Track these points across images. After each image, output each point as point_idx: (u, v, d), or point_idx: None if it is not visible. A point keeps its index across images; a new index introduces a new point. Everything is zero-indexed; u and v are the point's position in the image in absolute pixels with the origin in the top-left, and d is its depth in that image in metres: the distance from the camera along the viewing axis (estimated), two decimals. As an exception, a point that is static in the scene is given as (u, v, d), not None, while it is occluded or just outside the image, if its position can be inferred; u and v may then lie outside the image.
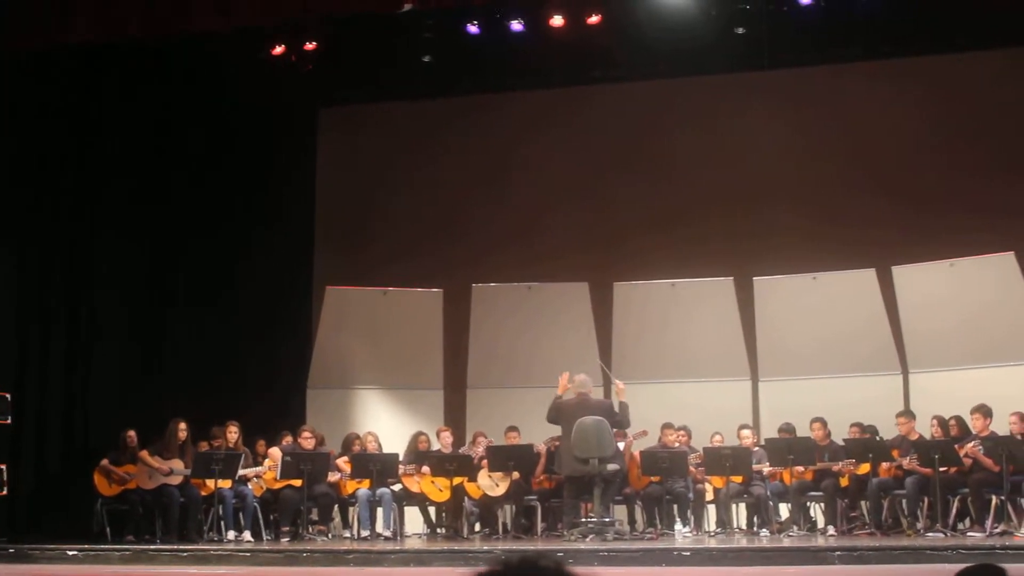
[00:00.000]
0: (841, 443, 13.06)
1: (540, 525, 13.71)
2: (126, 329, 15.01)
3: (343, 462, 13.75)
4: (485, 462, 13.55)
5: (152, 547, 12.23)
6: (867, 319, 14.98)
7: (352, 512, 13.85)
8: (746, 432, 13.77)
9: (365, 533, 13.38)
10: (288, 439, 13.92)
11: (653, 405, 14.36)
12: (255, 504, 13.33)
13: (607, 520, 12.36)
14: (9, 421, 13.08)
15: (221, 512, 13.03)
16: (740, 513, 13.85)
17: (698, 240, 16.01)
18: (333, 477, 13.54)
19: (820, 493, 13.12)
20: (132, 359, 15.03)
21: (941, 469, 12.18)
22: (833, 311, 15.09)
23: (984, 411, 12.54)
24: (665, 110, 16.49)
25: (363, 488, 13.46)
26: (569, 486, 12.67)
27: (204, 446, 13.67)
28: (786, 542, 12.36)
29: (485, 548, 11.97)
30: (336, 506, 13.90)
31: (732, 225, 16.06)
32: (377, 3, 13.17)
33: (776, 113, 16.19)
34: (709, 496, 13.70)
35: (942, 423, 12.93)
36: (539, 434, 13.64)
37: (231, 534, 13.06)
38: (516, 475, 13.46)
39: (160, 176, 15.44)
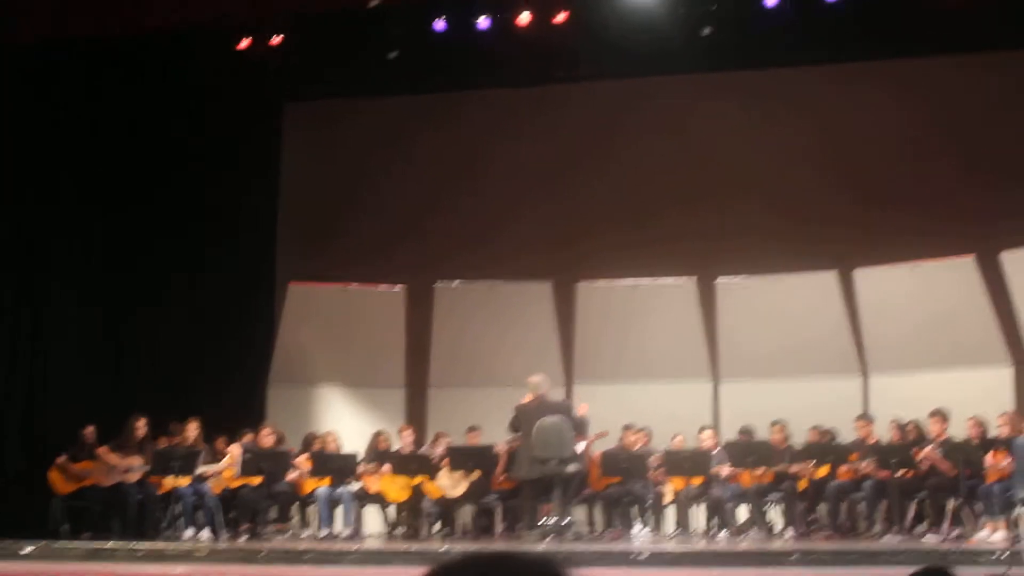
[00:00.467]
0: (800, 446, 13.10)
1: (500, 525, 13.71)
2: (85, 325, 14.91)
3: (303, 460, 13.71)
4: (446, 462, 13.54)
5: (109, 544, 12.13)
6: (828, 322, 15.06)
7: (311, 511, 13.83)
8: (706, 434, 13.80)
9: (324, 532, 13.34)
10: (248, 437, 13.85)
11: (614, 406, 14.38)
12: (214, 502, 13.26)
13: (566, 521, 12.35)
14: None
15: (179, 509, 12.98)
16: (699, 515, 13.87)
17: (662, 241, 16.00)
18: (292, 475, 13.50)
19: (779, 495, 13.16)
20: (91, 355, 14.93)
21: (899, 473, 12.25)
22: (794, 314, 15.16)
23: (942, 415, 12.61)
24: (631, 110, 16.46)
25: (322, 487, 13.43)
26: (528, 487, 12.66)
27: (163, 443, 13.59)
28: (745, 544, 12.41)
29: (444, 548, 11.95)
30: (295, 504, 13.87)
31: (696, 226, 16.06)
32: (345, -2, 13.13)
33: (742, 114, 16.19)
34: (668, 498, 13.73)
35: (900, 427, 13.01)
36: (501, 434, 13.62)
37: (189, 531, 12.99)
38: (476, 475, 13.44)
39: (122, 170, 15.33)
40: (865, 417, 13.36)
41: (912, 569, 3.97)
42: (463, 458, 13.43)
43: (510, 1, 14.68)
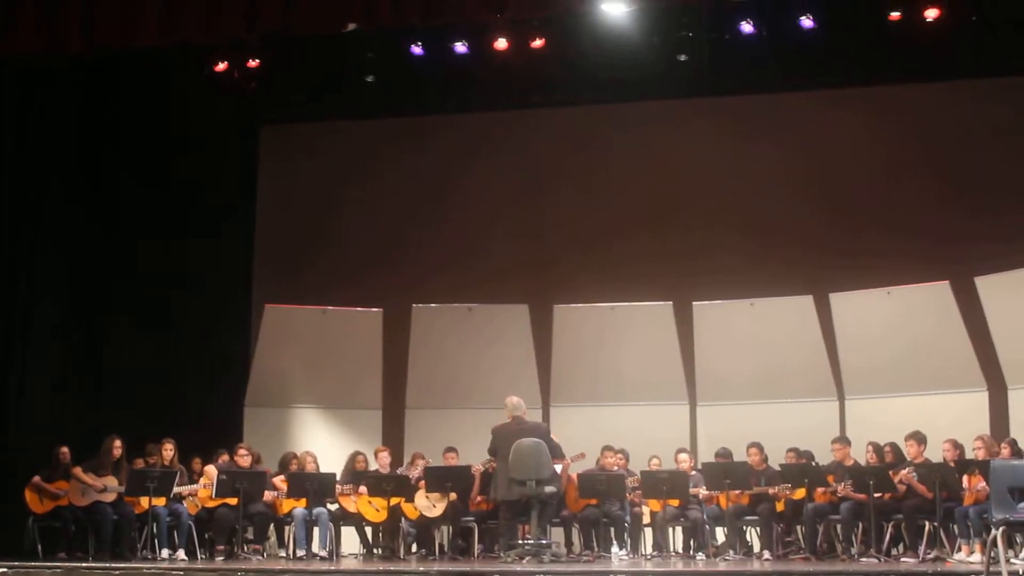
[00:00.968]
0: (777, 468, 13.12)
1: (477, 547, 13.67)
2: (61, 344, 14.85)
3: (279, 481, 13.67)
4: (423, 483, 13.52)
5: (84, 565, 12.01)
6: (804, 345, 15.12)
7: (288, 531, 13.75)
8: (683, 456, 13.80)
9: (301, 553, 13.25)
10: (224, 457, 13.80)
11: (591, 428, 14.41)
12: (190, 522, 13.18)
13: (544, 542, 12.31)
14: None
15: (155, 530, 12.90)
16: (677, 536, 13.88)
17: (639, 264, 16.08)
18: (269, 496, 13.45)
19: (756, 517, 13.16)
20: (67, 375, 14.86)
21: (876, 495, 12.27)
22: (771, 337, 15.21)
23: (918, 438, 12.65)
24: (608, 135, 16.54)
25: (299, 507, 13.38)
26: (506, 508, 12.65)
27: (139, 463, 13.52)
28: (722, 566, 12.40)
29: (421, 569, 11.91)
30: (272, 525, 13.80)
31: (672, 250, 16.15)
32: (321, 22, 13.10)
33: (718, 140, 16.31)
34: (646, 519, 13.72)
35: (877, 449, 13.04)
36: (477, 455, 13.60)
37: (165, 552, 12.91)
38: (453, 496, 13.42)
39: (99, 191, 15.32)
40: (842, 440, 13.38)
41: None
42: (440, 479, 13.40)
43: (487, 26, 14.71)
